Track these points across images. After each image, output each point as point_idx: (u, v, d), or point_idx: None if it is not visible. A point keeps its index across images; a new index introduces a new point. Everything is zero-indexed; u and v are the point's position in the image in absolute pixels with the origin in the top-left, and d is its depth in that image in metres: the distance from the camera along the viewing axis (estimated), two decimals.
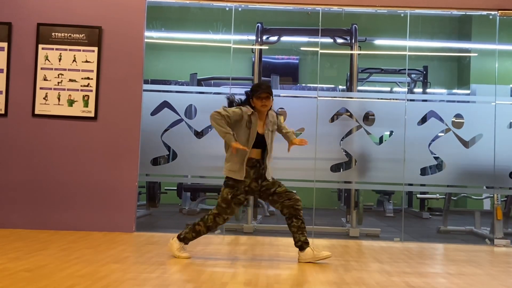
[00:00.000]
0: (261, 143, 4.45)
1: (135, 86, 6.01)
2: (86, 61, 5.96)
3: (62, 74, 5.94)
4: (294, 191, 4.60)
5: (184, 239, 4.51)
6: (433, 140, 6.46)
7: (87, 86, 5.94)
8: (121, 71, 5.99)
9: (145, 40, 6.10)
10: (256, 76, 6.94)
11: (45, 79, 5.93)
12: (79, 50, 5.96)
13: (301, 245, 4.46)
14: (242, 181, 4.39)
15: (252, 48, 7.20)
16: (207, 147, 6.33)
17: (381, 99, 6.97)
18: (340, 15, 6.70)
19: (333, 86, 9.59)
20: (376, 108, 6.49)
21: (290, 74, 11.04)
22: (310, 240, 4.50)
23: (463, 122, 6.40)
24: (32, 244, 4.81)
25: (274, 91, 4.61)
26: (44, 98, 5.92)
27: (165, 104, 6.35)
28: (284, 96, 7.24)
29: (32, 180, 5.87)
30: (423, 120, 6.51)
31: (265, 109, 4.42)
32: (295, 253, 4.53)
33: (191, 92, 7.24)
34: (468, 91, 9.59)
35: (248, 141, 4.38)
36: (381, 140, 7.44)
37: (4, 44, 5.96)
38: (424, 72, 9.90)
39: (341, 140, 6.51)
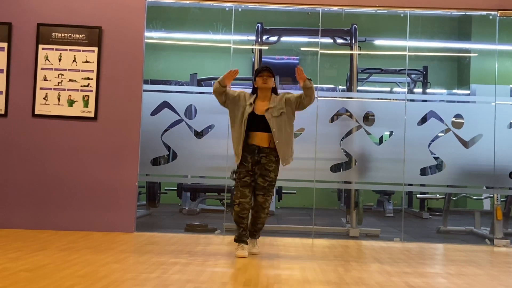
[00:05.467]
0: (265, 126, 4.48)
1: (135, 86, 6.01)
2: (86, 61, 5.96)
3: (62, 74, 5.94)
4: (267, 199, 4.56)
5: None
6: (433, 140, 6.46)
7: (87, 86, 5.94)
8: (121, 71, 5.99)
9: (145, 40, 6.10)
10: None
11: (45, 79, 5.93)
12: (79, 50, 5.96)
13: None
14: (242, 164, 4.51)
15: (252, 48, 7.20)
16: (207, 147, 6.33)
17: (381, 99, 6.97)
18: (340, 15, 6.70)
19: (333, 86, 9.59)
20: (376, 108, 6.49)
21: (290, 74, 11.00)
22: (310, 240, 4.50)
23: (463, 122, 6.40)
24: (32, 244, 4.81)
25: None
26: (44, 98, 5.92)
27: (165, 104, 6.35)
28: None
29: (32, 180, 5.87)
30: (423, 120, 6.51)
31: (266, 86, 4.55)
32: (295, 253, 4.54)
33: (191, 92, 7.23)
34: (468, 91, 9.58)
35: (242, 123, 4.49)
36: (381, 140, 7.43)
37: (4, 44, 5.96)
38: (424, 72, 9.89)
39: (341, 140, 6.51)
